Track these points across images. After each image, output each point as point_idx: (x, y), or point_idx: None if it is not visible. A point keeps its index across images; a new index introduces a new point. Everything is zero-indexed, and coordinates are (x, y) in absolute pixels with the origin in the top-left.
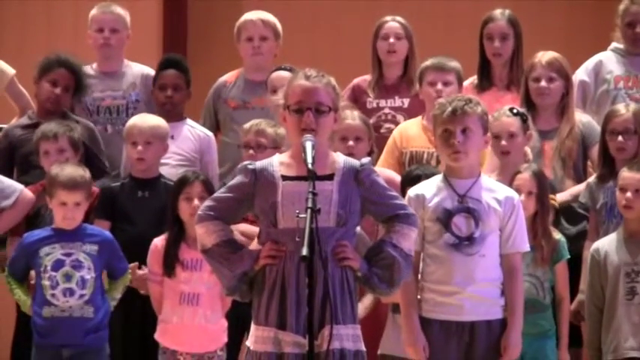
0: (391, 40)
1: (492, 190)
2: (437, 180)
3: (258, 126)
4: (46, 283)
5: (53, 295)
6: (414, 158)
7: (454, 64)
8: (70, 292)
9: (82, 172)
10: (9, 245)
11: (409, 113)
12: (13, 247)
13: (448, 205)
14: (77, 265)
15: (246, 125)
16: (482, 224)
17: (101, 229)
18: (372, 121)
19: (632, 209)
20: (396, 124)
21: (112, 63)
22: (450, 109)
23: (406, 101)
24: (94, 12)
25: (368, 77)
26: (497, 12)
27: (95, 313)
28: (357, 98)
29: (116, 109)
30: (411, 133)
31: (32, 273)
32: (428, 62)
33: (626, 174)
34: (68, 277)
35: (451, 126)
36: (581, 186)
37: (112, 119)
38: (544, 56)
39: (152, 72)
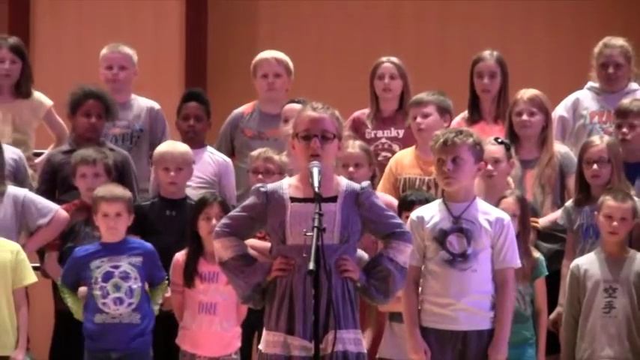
0: (386, 80)
1: (486, 212)
2: (436, 204)
3: (266, 153)
4: (98, 293)
5: (104, 304)
6: (407, 184)
7: (433, 97)
8: (119, 300)
9: (122, 189)
10: (47, 259)
11: (404, 143)
12: (52, 261)
13: (444, 225)
14: (125, 277)
15: (255, 153)
16: (474, 242)
17: (142, 241)
18: None
19: (617, 234)
20: (392, 152)
21: (121, 96)
22: (442, 140)
23: (401, 132)
24: (104, 51)
25: (367, 110)
26: (487, 52)
27: (141, 320)
28: (357, 129)
29: (121, 137)
30: (405, 161)
31: (81, 289)
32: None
33: (612, 203)
34: (117, 287)
35: (443, 155)
36: (558, 213)
37: (116, 145)
38: (526, 93)
39: (157, 105)
